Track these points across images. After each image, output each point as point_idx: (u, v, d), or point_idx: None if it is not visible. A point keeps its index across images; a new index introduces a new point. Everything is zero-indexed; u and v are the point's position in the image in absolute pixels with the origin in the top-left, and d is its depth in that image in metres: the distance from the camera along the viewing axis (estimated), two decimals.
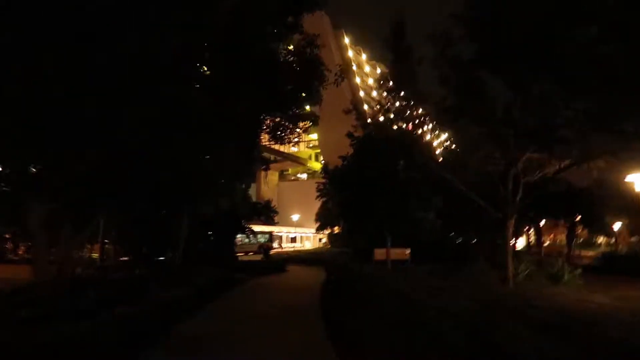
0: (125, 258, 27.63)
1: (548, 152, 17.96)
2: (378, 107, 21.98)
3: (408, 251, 29.93)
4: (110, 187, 11.59)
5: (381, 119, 26.21)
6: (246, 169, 20.40)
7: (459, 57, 17.79)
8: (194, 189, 15.76)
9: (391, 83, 22.59)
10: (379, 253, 29.69)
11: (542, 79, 16.24)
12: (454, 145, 22.80)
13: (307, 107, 17.14)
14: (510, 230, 19.47)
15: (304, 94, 14.79)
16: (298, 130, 17.56)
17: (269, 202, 45.06)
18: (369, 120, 28.21)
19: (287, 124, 16.59)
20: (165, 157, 11.32)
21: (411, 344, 7.27)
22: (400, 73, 18.59)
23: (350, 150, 30.19)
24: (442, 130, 19.51)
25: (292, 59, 14.01)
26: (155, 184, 12.42)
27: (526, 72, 16.03)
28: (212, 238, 28.18)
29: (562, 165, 19.15)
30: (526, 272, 22.15)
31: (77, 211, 12.28)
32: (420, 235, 29.57)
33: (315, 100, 15.26)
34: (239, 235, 38.18)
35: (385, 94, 21.93)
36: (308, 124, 17.81)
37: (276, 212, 43.15)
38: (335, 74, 15.37)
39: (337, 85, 15.23)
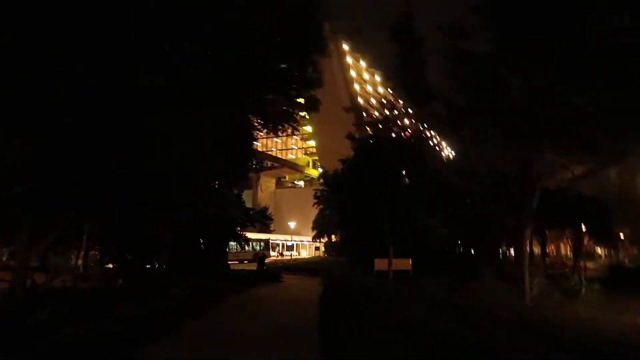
0: (111, 266, 26.09)
1: (569, 153, 16.29)
2: (379, 106, 20.14)
3: (410, 261, 28.40)
4: (57, 183, 9.75)
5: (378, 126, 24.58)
6: (236, 169, 18.59)
7: (471, 50, 16.21)
8: (167, 189, 13.84)
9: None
10: (380, 263, 28.25)
11: (565, 72, 14.61)
12: (463, 148, 21.14)
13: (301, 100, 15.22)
14: (527, 240, 17.76)
15: (301, 68, 12.86)
16: (294, 115, 15.52)
17: (265, 208, 43.30)
18: (370, 119, 26.47)
19: (283, 107, 14.51)
20: (127, 145, 9.48)
21: None
22: (407, 67, 16.90)
23: (350, 154, 28.57)
24: (451, 130, 17.76)
25: (285, 23, 12.05)
26: (117, 181, 10.60)
27: (548, 65, 14.39)
28: (202, 246, 26.33)
29: (584, 170, 17.47)
30: (541, 286, 20.54)
31: (28, 212, 10.49)
32: (423, 244, 27.89)
33: (313, 78, 13.38)
34: (233, 243, 36.41)
35: (390, 91, 20.11)
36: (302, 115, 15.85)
37: (271, 219, 41.35)
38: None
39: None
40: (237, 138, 15.73)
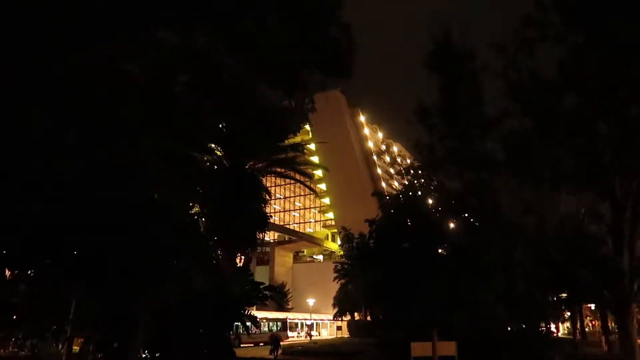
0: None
1: None
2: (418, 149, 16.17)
3: (454, 345, 23.44)
4: None
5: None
6: (241, 231, 14.56)
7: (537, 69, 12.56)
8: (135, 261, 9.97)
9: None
10: (417, 348, 23.27)
11: None
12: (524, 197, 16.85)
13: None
14: (635, 318, 12.92)
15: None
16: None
17: (281, 285, 39.06)
18: (402, 169, 22.54)
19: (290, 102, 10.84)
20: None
21: None
22: (456, 94, 13.21)
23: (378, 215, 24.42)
24: (520, 171, 13.69)
25: None
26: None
27: None
28: (200, 330, 21.64)
29: None
30: None
31: None
32: (476, 325, 22.99)
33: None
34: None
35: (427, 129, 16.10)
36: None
37: (287, 296, 36.89)
38: None
39: None
40: (238, 188, 11.89)
